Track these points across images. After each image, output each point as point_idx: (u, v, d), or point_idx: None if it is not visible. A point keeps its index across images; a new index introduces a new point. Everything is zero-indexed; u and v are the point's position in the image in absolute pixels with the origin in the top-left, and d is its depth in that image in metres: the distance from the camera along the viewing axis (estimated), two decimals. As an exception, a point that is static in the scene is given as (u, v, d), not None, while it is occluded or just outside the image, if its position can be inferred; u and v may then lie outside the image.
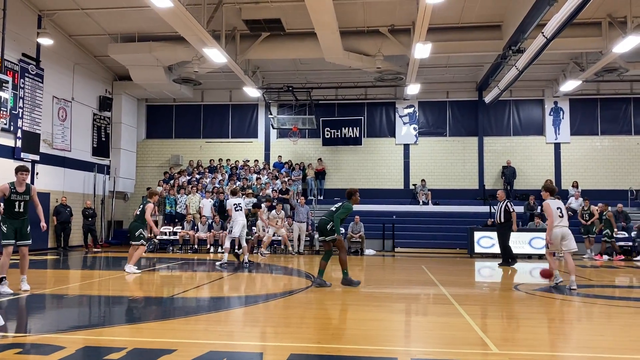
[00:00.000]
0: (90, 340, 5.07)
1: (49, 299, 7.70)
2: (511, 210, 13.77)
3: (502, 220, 13.79)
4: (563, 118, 22.06)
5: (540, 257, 16.22)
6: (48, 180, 17.99)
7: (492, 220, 15.62)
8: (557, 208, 9.31)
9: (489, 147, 22.30)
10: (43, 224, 8.14)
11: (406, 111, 22.88)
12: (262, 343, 5.32)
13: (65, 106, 19.05)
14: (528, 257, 16.52)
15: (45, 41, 16.69)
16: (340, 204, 9.29)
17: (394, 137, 22.78)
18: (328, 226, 9.05)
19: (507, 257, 13.78)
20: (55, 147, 18.42)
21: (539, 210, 18.20)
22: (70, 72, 19.32)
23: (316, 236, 17.94)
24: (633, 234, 17.48)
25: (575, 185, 20.69)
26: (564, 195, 20.17)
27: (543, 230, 16.23)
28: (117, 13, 16.70)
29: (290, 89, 20.79)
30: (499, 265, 13.76)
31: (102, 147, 21.41)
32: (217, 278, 10.65)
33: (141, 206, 11.67)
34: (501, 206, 13.89)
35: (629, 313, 7.21)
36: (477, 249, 16.98)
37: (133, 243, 11.17)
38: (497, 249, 16.72)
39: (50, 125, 18.19)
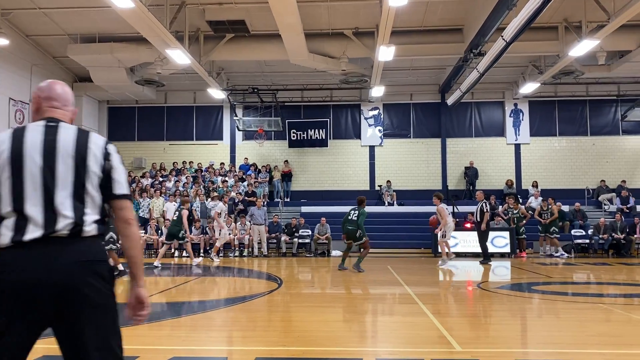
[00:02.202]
0: (49, 350, 4.93)
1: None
2: (485, 210, 14.14)
3: (479, 219, 14.17)
4: (523, 119, 22.63)
5: (503, 255, 16.61)
6: (4, 184, 17.43)
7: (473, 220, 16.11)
8: (450, 212, 12.37)
9: (452, 148, 22.69)
10: None
11: (371, 113, 23.07)
12: (227, 347, 5.28)
13: (23, 108, 18.50)
14: (490, 255, 16.82)
15: (1, 41, 16.16)
16: (355, 211, 11.60)
17: (360, 138, 22.95)
18: (357, 234, 11.55)
19: (487, 255, 14.25)
20: (12, 150, 17.85)
21: (500, 209, 18.62)
22: (27, 73, 18.76)
23: (283, 238, 17.94)
24: (590, 231, 18.06)
25: (535, 185, 21.25)
26: (524, 195, 20.71)
27: (504, 229, 16.70)
28: (76, 13, 16.30)
29: (256, 90, 20.69)
30: (480, 263, 14.03)
31: (61, 150, 20.83)
32: (182, 282, 10.51)
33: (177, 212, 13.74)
34: (479, 206, 14.28)
35: (586, 309, 7.44)
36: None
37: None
38: (460, 248, 17.12)
39: (7, 128, 17.61)
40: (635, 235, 17.44)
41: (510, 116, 22.66)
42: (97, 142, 2.31)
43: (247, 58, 18.64)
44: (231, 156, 23.24)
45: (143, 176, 21.58)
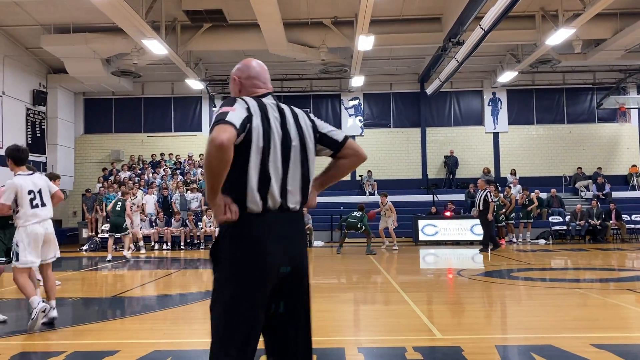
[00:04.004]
0: (27, 346, 4.85)
1: None
2: (490, 200, 14.10)
3: (482, 208, 14.14)
4: (501, 108, 22.83)
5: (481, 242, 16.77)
6: (-22, 179, 17.04)
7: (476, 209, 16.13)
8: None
9: (432, 137, 22.81)
10: None
11: (351, 103, 23.06)
12: (209, 340, 5.25)
13: (-5, 100, 18.06)
14: (470, 243, 17.05)
15: (-29, 32, 15.74)
16: (358, 213, 14.32)
17: (340, 128, 22.76)
18: (358, 225, 14.13)
19: (493, 242, 14.28)
20: (-15, 144, 17.46)
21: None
22: (-1, 64, 18.32)
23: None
24: (567, 218, 18.37)
25: (513, 172, 21.50)
26: (502, 183, 20.95)
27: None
28: (49, 3, 15.89)
29: (235, 81, 20.49)
30: (480, 251, 14.18)
31: (37, 143, 20.44)
32: (163, 275, 10.43)
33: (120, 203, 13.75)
34: (481, 195, 14.24)
35: (563, 294, 7.57)
36: (422, 237, 17.40)
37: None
38: (441, 237, 17.29)
39: (-21, 121, 17.22)
40: (610, 222, 17.78)
41: (488, 105, 22.85)
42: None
43: (225, 48, 18.43)
44: (211, 147, 23.00)
45: (121, 169, 21.28)
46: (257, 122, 2.24)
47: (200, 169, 20.97)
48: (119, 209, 13.63)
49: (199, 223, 17.64)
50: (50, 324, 5.48)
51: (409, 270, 11.07)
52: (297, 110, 2.49)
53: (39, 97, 20.38)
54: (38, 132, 20.57)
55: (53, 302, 5.64)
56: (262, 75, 2.53)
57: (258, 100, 2.35)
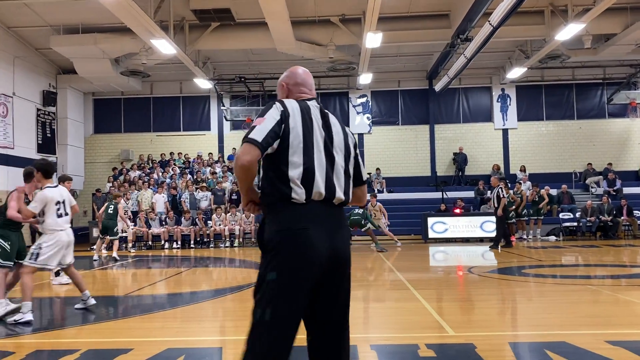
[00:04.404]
0: (41, 344, 4.90)
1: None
2: (501, 196, 14.11)
3: (497, 205, 14.14)
4: (510, 104, 22.70)
5: (492, 240, 16.69)
6: (-10, 179, 17.20)
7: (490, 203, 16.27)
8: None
9: (440, 134, 22.73)
10: None
11: (359, 101, 23.02)
12: (221, 337, 5.28)
13: (6, 102, 18.20)
14: (480, 240, 16.98)
15: (-19, 33, 15.86)
16: (361, 210, 14.55)
17: (348, 126, 22.77)
18: (362, 222, 14.48)
19: (505, 239, 14.32)
20: (-3, 144, 17.61)
21: (488, 194, 18.74)
22: (10, 65, 18.43)
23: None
24: (577, 214, 18.24)
25: (522, 169, 21.38)
26: (512, 179, 20.84)
27: (492, 213, 16.69)
28: (58, 3, 16.00)
29: (243, 79, 20.56)
30: (490, 248, 14.14)
31: (47, 143, 20.60)
32: (173, 274, 10.48)
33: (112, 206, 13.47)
34: (495, 192, 14.27)
35: (575, 291, 7.52)
36: (431, 234, 17.35)
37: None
38: (450, 234, 17.24)
39: (-10, 122, 17.36)
40: (622, 217, 17.63)
41: (497, 101, 22.73)
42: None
43: (233, 47, 18.47)
44: (219, 146, 23.10)
45: (131, 168, 21.40)
46: (295, 120, 2.38)
47: (210, 168, 21.03)
48: (111, 212, 13.67)
49: (209, 222, 17.70)
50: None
51: (419, 268, 11.04)
52: (341, 122, 2.66)
53: (49, 98, 20.52)
54: (48, 133, 20.71)
55: (87, 292, 6.42)
56: (307, 82, 2.71)
57: (300, 102, 2.51)
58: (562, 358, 4.03)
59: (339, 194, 2.42)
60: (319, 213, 2.35)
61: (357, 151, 2.67)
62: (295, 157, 2.34)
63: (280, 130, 2.35)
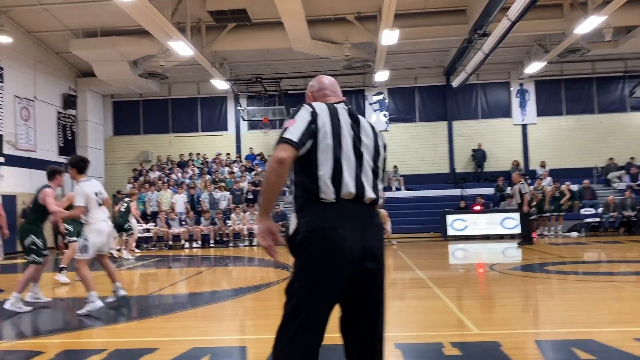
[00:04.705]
0: (68, 344, 4.97)
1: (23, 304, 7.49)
2: (524, 192, 14.03)
3: (520, 201, 14.06)
4: (529, 99, 22.43)
5: (513, 236, 16.54)
6: (14, 182, 17.49)
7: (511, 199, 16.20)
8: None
9: (458, 130, 22.55)
10: (5, 230, 8.26)
11: (375, 98, 22.94)
12: (246, 336, 5.31)
13: (28, 105, 18.51)
14: (500, 237, 16.83)
15: (4, 39, 16.09)
16: None
17: (365, 124, 22.79)
18: None
19: (527, 236, 14.17)
20: (20, 147, 17.90)
21: (508, 191, 18.57)
22: (31, 70, 18.74)
23: None
24: (600, 210, 17.97)
25: (542, 165, 21.12)
26: (532, 175, 20.60)
27: (513, 210, 16.52)
28: (77, 8, 16.23)
29: (259, 79, 20.61)
30: (518, 245, 14.06)
31: (68, 146, 20.90)
32: (194, 274, 10.56)
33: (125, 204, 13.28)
34: (516, 188, 14.18)
35: (599, 287, 7.42)
36: (451, 232, 17.24)
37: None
38: (470, 231, 17.12)
39: (13, 126, 17.65)
40: (645, 212, 17.33)
41: (516, 96, 22.48)
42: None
43: (250, 47, 18.54)
44: (237, 146, 23.21)
45: (150, 169, 21.61)
46: (324, 120, 2.42)
47: (227, 168, 21.15)
48: (123, 209, 13.88)
49: (228, 221, 17.81)
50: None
51: (440, 266, 10.98)
52: (371, 123, 2.67)
53: (69, 101, 20.82)
54: (69, 135, 21.01)
55: (119, 284, 6.77)
56: (330, 86, 2.74)
57: (328, 104, 2.54)
58: (590, 356, 3.97)
59: (369, 193, 2.42)
60: (349, 211, 2.35)
61: (386, 153, 2.69)
62: (324, 157, 2.36)
63: (311, 131, 2.38)
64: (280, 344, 2.32)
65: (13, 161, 17.43)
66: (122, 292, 6.78)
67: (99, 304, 6.16)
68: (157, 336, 5.14)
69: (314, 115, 2.42)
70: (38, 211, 6.92)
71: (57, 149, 20.25)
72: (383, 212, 16.05)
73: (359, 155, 2.44)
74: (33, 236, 6.79)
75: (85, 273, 6.26)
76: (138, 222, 16.05)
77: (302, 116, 2.41)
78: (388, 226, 15.95)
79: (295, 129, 2.37)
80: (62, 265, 9.14)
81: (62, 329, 5.79)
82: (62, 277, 9.05)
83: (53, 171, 7.18)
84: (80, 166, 6.44)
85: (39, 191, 6.95)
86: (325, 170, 2.34)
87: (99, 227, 6.40)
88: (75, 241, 9.38)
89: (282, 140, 2.36)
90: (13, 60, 17.60)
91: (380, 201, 2.55)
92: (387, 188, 21.43)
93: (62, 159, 20.37)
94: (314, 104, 2.50)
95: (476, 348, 4.37)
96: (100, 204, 6.47)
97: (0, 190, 16.72)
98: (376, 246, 2.41)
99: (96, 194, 6.41)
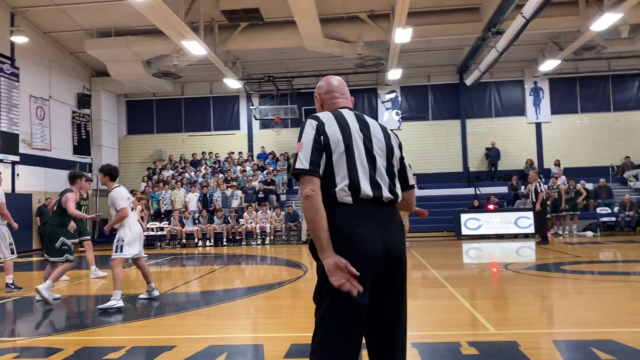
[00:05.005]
0: (87, 341, 5.02)
1: (40, 302, 7.58)
2: (539, 190, 13.94)
3: (535, 200, 13.97)
4: (543, 98, 22.24)
5: (527, 236, 16.42)
6: (29, 180, 17.70)
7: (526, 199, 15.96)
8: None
9: (472, 129, 22.42)
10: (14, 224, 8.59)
11: (388, 97, 22.88)
12: (261, 335, 5.32)
13: (44, 105, 18.70)
14: (514, 236, 16.71)
15: (20, 39, 16.29)
16: None
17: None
18: None
19: (545, 236, 14.07)
20: (35, 146, 18.10)
21: (522, 190, 18.42)
22: (46, 70, 18.94)
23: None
24: (615, 209, 17.78)
25: (557, 163, 20.93)
26: (546, 174, 20.43)
27: (527, 209, 16.40)
28: (92, 8, 16.37)
29: (271, 79, 20.65)
30: (537, 244, 13.95)
31: (82, 145, 21.09)
32: (207, 272, 10.60)
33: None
34: (533, 187, 14.09)
35: (617, 287, 7.34)
36: (465, 231, 17.14)
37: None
38: (484, 230, 17.01)
39: (29, 125, 17.85)
40: (662, 212, 17.12)
41: (530, 95, 22.30)
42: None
43: (262, 46, 18.57)
44: (249, 145, 23.28)
45: (164, 168, 21.74)
46: (333, 129, 2.42)
47: (240, 167, 21.21)
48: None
49: (240, 220, 17.87)
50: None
51: (454, 265, 10.93)
52: (381, 124, 2.64)
53: (84, 100, 21.00)
54: (83, 134, 21.20)
55: (153, 284, 7.17)
56: (339, 88, 2.71)
57: (333, 112, 2.54)
58: (610, 356, 3.93)
59: (386, 193, 2.41)
60: (368, 211, 2.35)
61: (403, 154, 2.64)
62: (339, 165, 2.36)
63: (321, 145, 2.37)
64: (317, 353, 2.29)
65: (28, 160, 17.63)
66: (156, 293, 7.20)
67: (121, 303, 6.39)
68: (174, 334, 5.16)
69: (320, 127, 2.41)
70: (63, 214, 7.55)
71: (72, 148, 20.44)
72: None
73: (372, 158, 2.44)
74: (63, 238, 7.43)
75: (118, 272, 6.58)
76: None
77: (308, 136, 2.39)
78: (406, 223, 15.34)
79: (304, 155, 2.35)
80: (91, 266, 9.85)
81: (80, 326, 5.84)
82: (99, 273, 9.76)
83: (74, 176, 7.72)
84: (112, 174, 6.86)
85: (61, 195, 7.56)
86: (340, 177, 2.34)
87: (134, 229, 6.79)
88: (87, 239, 10.02)
89: (299, 172, 2.35)
90: (28, 60, 17.79)
91: (399, 199, 2.53)
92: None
93: (77, 158, 20.58)
94: (319, 114, 2.49)
95: (494, 347, 4.34)
96: (132, 209, 6.92)
97: (16, 189, 16.93)
98: (398, 244, 2.41)
99: (128, 198, 6.85)
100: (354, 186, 2.34)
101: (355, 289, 2.21)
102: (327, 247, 2.26)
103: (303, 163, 2.34)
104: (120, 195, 6.67)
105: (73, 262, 7.59)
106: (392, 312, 2.44)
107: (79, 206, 9.42)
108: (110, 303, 6.30)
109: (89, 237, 10.24)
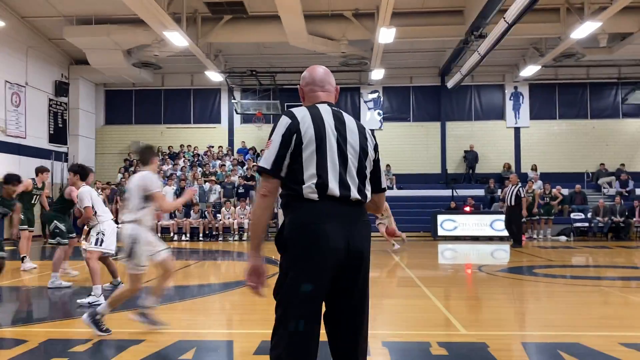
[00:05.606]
0: (53, 333, 4.92)
1: (7, 292, 7.43)
2: (522, 195, 14.02)
3: (513, 203, 14.02)
4: (523, 103, 22.51)
5: (502, 238, 16.60)
6: (2, 168, 17.27)
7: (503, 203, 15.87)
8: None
9: (452, 131, 22.59)
10: None
11: (371, 96, 22.92)
12: (232, 331, 5.27)
13: (19, 91, 18.30)
14: (489, 238, 16.89)
15: (-4, 23, 15.91)
16: None
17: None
18: None
19: (517, 238, 14.16)
20: (9, 133, 17.70)
21: (499, 193, 18.63)
22: (23, 55, 18.52)
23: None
24: (589, 215, 18.08)
25: (534, 168, 21.21)
26: (523, 178, 20.67)
27: (502, 212, 16.56)
28: (72, -6, 16.06)
29: (254, 73, 20.51)
30: (510, 247, 14.02)
31: (59, 133, 20.70)
32: (182, 267, 10.50)
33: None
34: (513, 190, 14.12)
35: (586, 292, 7.46)
36: (441, 232, 17.28)
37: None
38: (460, 232, 17.16)
39: (4, 111, 17.44)
40: (634, 219, 17.47)
41: (510, 99, 22.55)
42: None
43: (246, 40, 18.43)
44: (229, 139, 23.11)
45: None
46: (306, 126, 2.41)
47: (219, 161, 21.05)
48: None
49: (218, 215, 17.74)
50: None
51: (429, 265, 11.00)
52: (360, 123, 2.65)
53: (61, 88, 20.61)
54: (60, 123, 20.81)
55: (119, 279, 7.26)
56: (320, 81, 2.71)
57: (310, 108, 2.53)
58: (576, 359, 3.98)
59: (354, 194, 2.41)
60: (333, 210, 2.35)
61: (378, 156, 2.63)
62: (308, 161, 2.36)
63: (291, 144, 2.38)
64: (277, 348, 2.31)
65: (2, 147, 17.25)
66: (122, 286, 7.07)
67: (102, 299, 6.12)
68: (143, 328, 5.08)
69: (293, 125, 2.41)
70: (64, 203, 7.90)
71: (48, 136, 20.06)
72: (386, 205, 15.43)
73: (344, 158, 2.42)
74: (56, 221, 7.66)
75: (95, 265, 6.51)
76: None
77: (278, 134, 2.41)
78: (393, 223, 13.89)
79: (269, 154, 2.39)
80: (22, 255, 9.62)
81: (46, 318, 5.72)
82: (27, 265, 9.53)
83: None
84: (83, 173, 7.04)
85: (67, 187, 7.89)
86: (309, 175, 2.35)
87: (111, 224, 6.85)
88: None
89: (259, 169, 2.41)
90: (5, 44, 17.38)
91: (368, 199, 2.52)
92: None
93: (53, 147, 20.20)
94: (295, 111, 2.48)
95: (463, 348, 4.37)
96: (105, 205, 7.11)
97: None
98: (361, 243, 2.41)
99: (94, 197, 6.89)
100: (322, 184, 2.34)
101: (259, 294, 2.43)
102: (259, 247, 2.43)
103: (266, 162, 2.38)
104: (84, 195, 6.70)
105: (67, 246, 7.74)
106: (356, 307, 2.45)
107: (30, 195, 9.79)
108: (90, 299, 6.16)
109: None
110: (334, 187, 2.35)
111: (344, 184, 2.38)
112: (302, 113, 2.47)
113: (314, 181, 2.34)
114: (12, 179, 7.74)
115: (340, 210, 2.37)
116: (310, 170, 2.35)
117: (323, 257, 2.29)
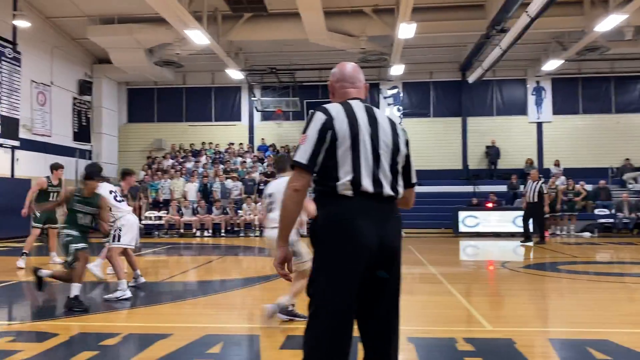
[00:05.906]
0: (83, 327, 5.02)
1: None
2: (544, 192, 13.84)
3: (535, 200, 13.83)
4: (545, 97, 22.20)
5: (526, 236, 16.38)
6: (29, 166, 17.63)
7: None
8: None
9: (473, 127, 22.38)
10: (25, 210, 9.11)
11: (390, 92, 22.82)
12: (256, 325, 5.32)
13: (45, 90, 18.63)
14: (511, 235, 16.71)
15: (22, 23, 16.21)
16: None
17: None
18: None
19: (541, 235, 13.99)
20: (36, 132, 18.04)
21: (521, 189, 18.42)
22: (48, 55, 18.85)
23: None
24: (613, 210, 17.79)
25: (557, 163, 20.92)
26: (546, 174, 20.40)
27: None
28: (95, -6, 16.29)
29: (274, 70, 20.58)
30: (520, 243, 13.88)
31: (83, 131, 21.03)
32: (205, 262, 10.62)
33: None
34: (534, 187, 13.90)
35: (613, 288, 7.36)
36: (462, 228, 17.17)
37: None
38: (482, 228, 17.01)
39: (30, 110, 17.78)
40: (660, 215, 17.14)
41: (532, 94, 22.25)
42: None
43: (265, 38, 18.48)
44: (249, 137, 23.23)
45: (164, 157, 21.72)
46: (341, 122, 2.42)
47: (240, 158, 21.18)
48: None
49: (239, 211, 17.87)
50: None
51: (451, 262, 10.95)
52: (392, 119, 2.68)
53: (85, 87, 20.93)
54: (84, 121, 21.14)
55: (138, 271, 7.23)
56: (350, 77, 2.72)
57: (343, 104, 2.54)
58: (606, 356, 3.94)
59: (387, 190, 2.44)
60: (367, 206, 2.38)
61: (409, 151, 2.65)
62: (343, 158, 2.39)
63: (326, 140, 2.39)
64: (310, 343, 2.34)
65: (28, 145, 17.59)
66: (142, 280, 7.24)
67: (129, 293, 6.36)
68: (171, 322, 5.17)
69: (328, 122, 2.42)
70: None
71: (72, 134, 20.39)
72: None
73: (377, 155, 2.45)
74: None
75: (118, 261, 6.58)
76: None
77: (313, 130, 2.42)
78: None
79: (305, 148, 2.39)
80: (24, 251, 9.53)
81: (80, 311, 5.83)
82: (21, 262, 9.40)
83: (124, 172, 8.06)
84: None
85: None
86: (344, 172, 2.37)
87: (129, 219, 6.93)
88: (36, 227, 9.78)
89: (295, 164, 2.40)
90: (30, 45, 17.70)
91: (400, 195, 2.55)
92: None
93: (77, 145, 20.53)
94: (329, 107, 2.49)
95: (489, 344, 4.36)
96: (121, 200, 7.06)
97: (15, 174, 16.91)
98: (393, 239, 2.44)
99: (113, 191, 6.96)
100: (356, 181, 2.36)
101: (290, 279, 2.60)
102: (287, 239, 2.45)
103: (302, 156, 2.38)
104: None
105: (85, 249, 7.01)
106: (388, 303, 2.48)
107: (47, 193, 9.64)
108: (117, 294, 6.25)
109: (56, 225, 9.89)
110: (367, 184, 2.38)
111: (377, 181, 2.41)
112: (336, 109, 2.48)
113: (349, 178, 2.36)
114: (94, 173, 6.26)
115: (374, 207, 2.39)
116: (345, 167, 2.37)
117: (356, 253, 2.32)
